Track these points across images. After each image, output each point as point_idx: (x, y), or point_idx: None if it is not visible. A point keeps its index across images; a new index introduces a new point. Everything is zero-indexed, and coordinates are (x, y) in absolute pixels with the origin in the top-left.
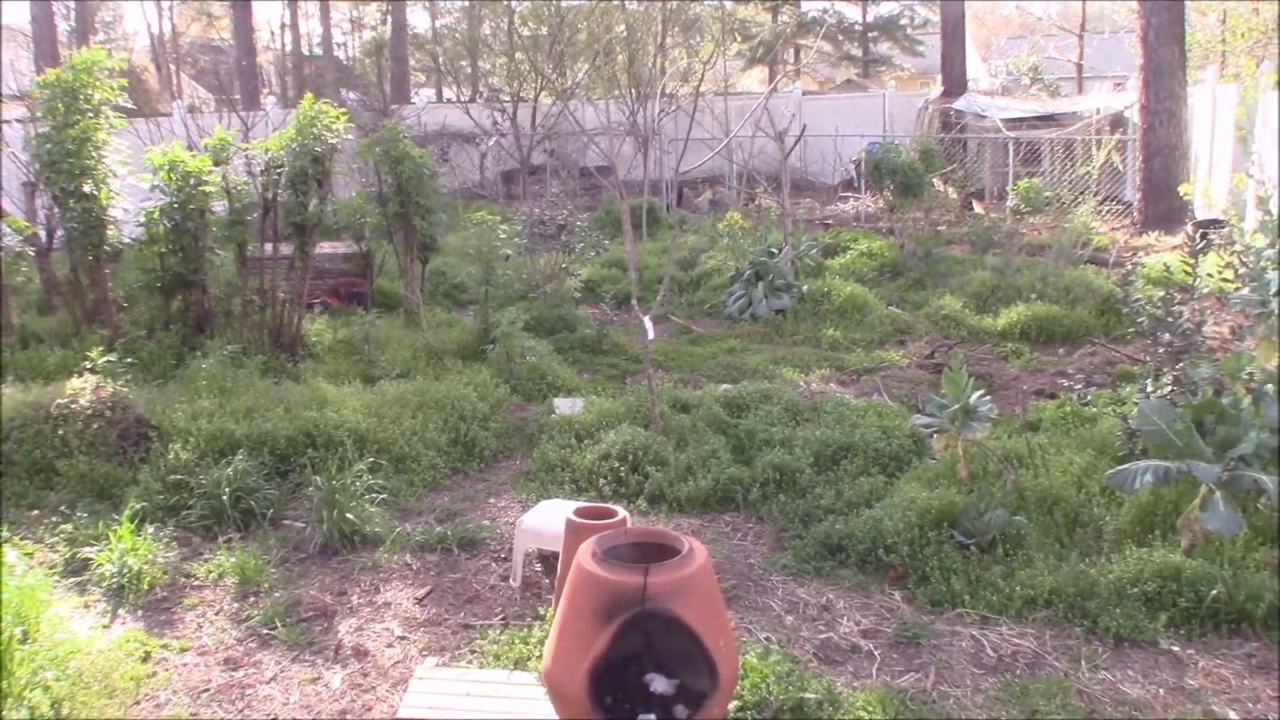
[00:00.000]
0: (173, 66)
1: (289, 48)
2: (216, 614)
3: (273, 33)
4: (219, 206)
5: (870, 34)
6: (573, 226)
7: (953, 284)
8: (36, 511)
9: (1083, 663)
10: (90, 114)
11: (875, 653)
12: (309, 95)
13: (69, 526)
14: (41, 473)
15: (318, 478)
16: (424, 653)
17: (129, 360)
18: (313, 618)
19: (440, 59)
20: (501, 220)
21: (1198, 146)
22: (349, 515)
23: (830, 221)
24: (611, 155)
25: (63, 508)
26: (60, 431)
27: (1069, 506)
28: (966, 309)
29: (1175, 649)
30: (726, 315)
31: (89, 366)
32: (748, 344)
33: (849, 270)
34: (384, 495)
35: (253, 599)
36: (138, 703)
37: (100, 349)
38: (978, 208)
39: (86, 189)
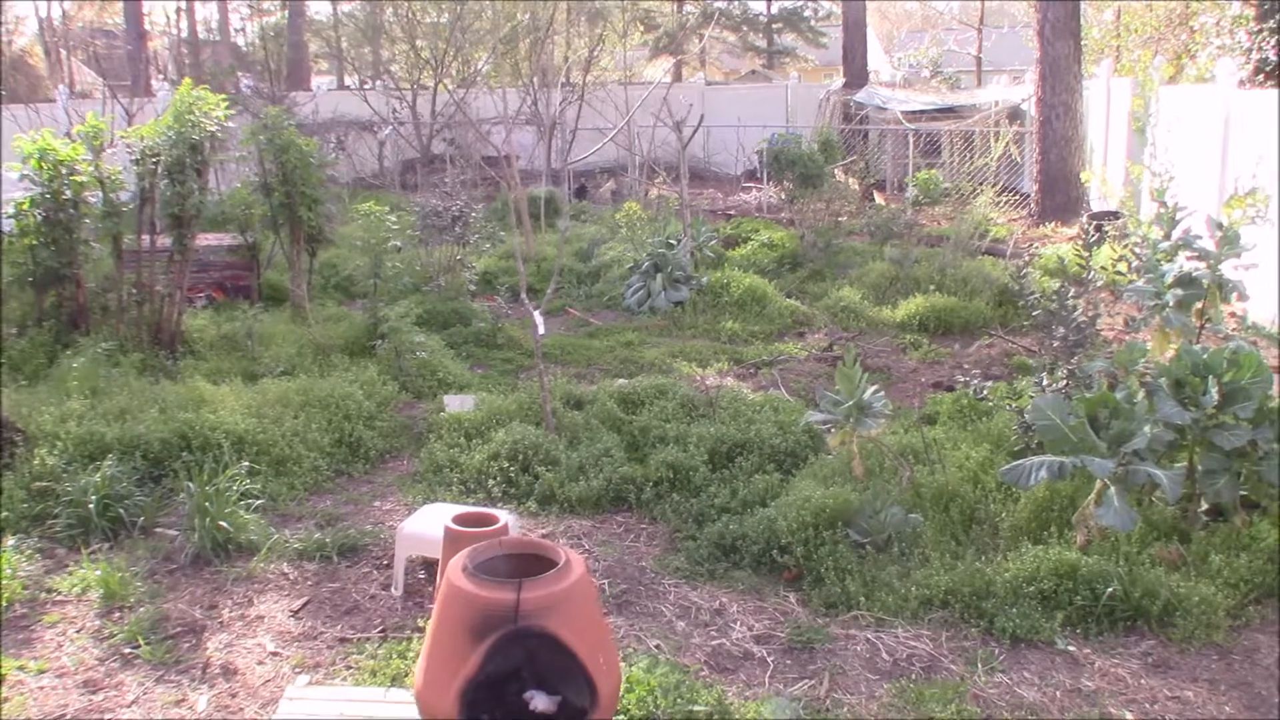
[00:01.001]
0: (63, 51)
1: (185, 33)
2: (78, 632)
3: (168, 17)
4: (96, 198)
5: (774, 25)
6: (468, 218)
7: (852, 275)
8: None
9: (979, 665)
10: None
11: (768, 659)
12: (187, 80)
13: None
14: None
15: (189, 484)
16: (296, 670)
17: None
18: (180, 634)
19: (342, 45)
20: (390, 211)
21: (1093, 139)
22: (222, 523)
23: (733, 212)
24: (510, 145)
25: None
26: None
27: (965, 503)
28: (865, 300)
29: (1072, 649)
30: (625, 307)
31: None
32: (646, 337)
33: (749, 261)
34: (262, 500)
35: (118, 614)
36: None
37: None
38: (879, 199)
39: None
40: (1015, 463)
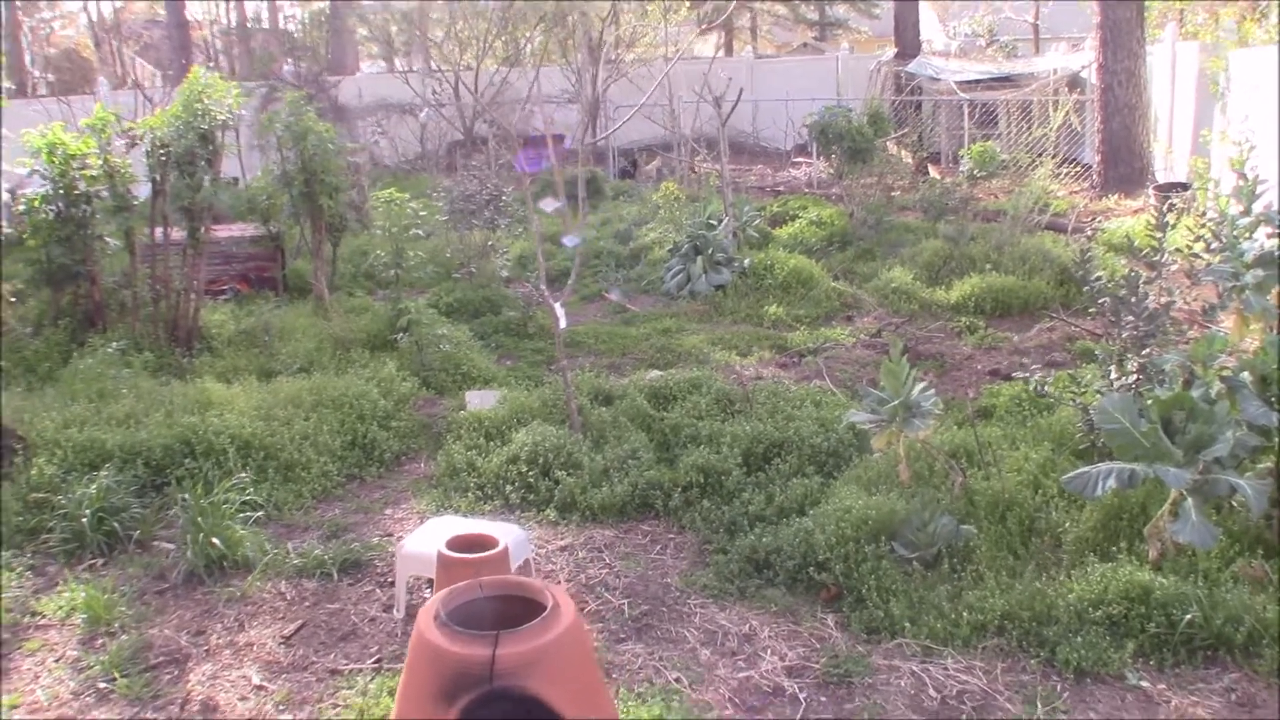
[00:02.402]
0: (114, 43)
1: (234, 21)
2: (57, 661)
3: (216, 5)
4: (107, 192)
5: None
6: (500, 201)
7: (904, 254)
8: None
9: (1039, 705)
10: None
11: (800, 696)
12: (195, 68)
13: None
14: None
15: (184, 496)
16: (280, 708)
17: (11, 360)
18: (162, 664)
19: (390, 29)
20: (423, 195)
21: (1158, 106)
22: (215, 540)
23: (781, 188)
24: (552, 124)
25: None
26: None
27: (1024, 512)
28: (918, 281)
29: (1145, 684)
30: (664, 292)
31: None
32: (685, 323)
33: (796, 241)
34: (266, 510)
35: (101, 641)
36: None
37: None
38: (933, 172)
39: None
40: (1080, 470)
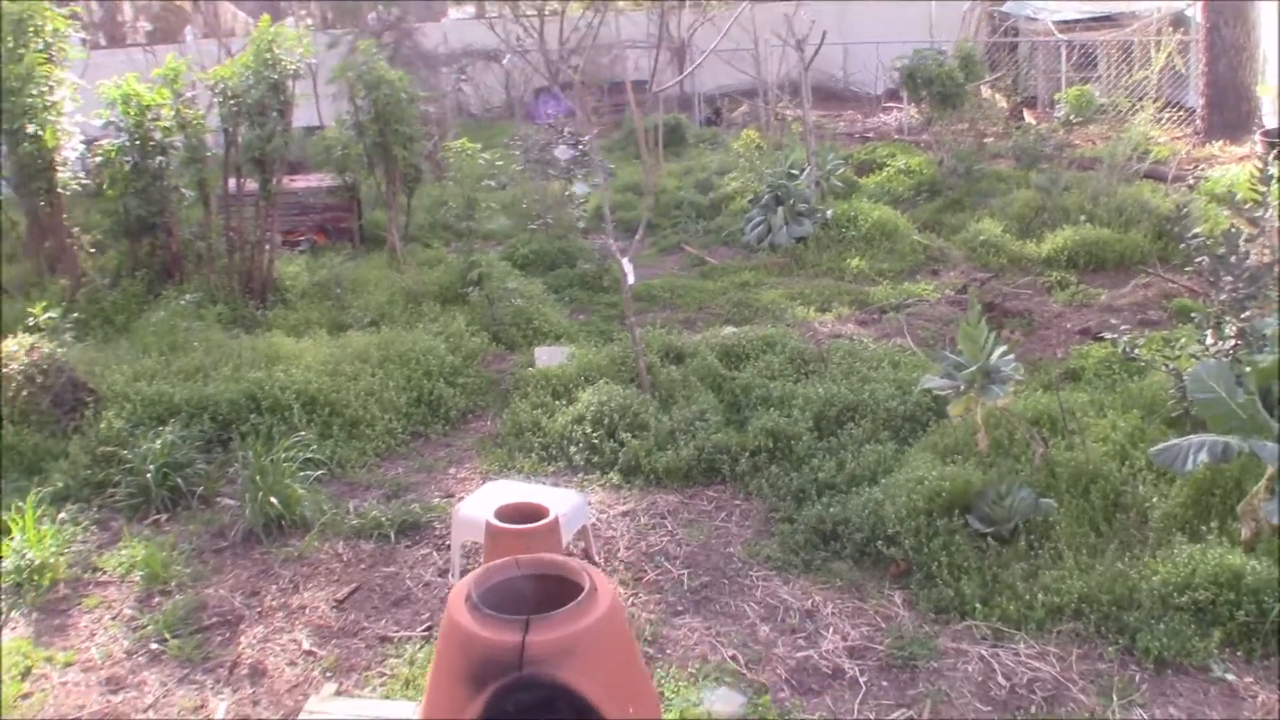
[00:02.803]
0: None
1: None
2: (113, 619)
3: None
4: (180, 143)
5: None
6: (573, 150)
7: (994, 205)
8: None
9: (1114, 696)
10: (40, 48)
11: (861, 680)
12: (265, 18)
13: None
14: None
15: (244, 453)
16: (327, 674)
17: (89, 311)
18: (215, 625)
19: None
20: (488, 147)
21: (1266, 47)
22: (273, 499)
23: (870, 135)
24: (636, 69)
25: None
26: None
27: (1109, 485)
28: (1007, 233)
29: (1230, 677)
30: (744, 244)
31: (32, 323)
32: (764, 277)
33: (882, 190)
34: (329, 468)
35: (157, 599)
36: None
37: (58, 301)
38: (1029, 117)
39: (30, 129)
40: (1170, 442)
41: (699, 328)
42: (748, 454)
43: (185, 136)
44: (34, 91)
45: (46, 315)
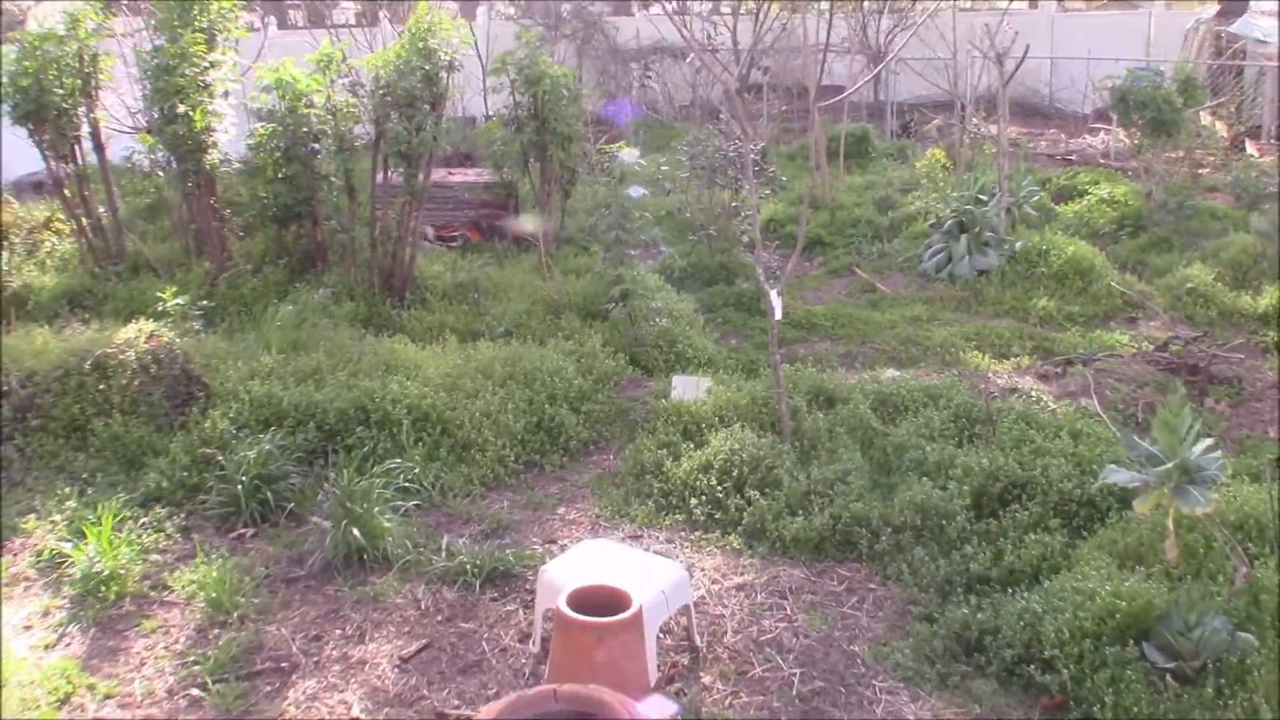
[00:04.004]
0: None
1: None
2: (166, 649)
3: None
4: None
5: None
6: (743, 159)
7: (1206, 247)
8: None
9: None
10: (201, 28)
11: None
12: (422, 4)
13: (73, 504)
14: (78, 430)
15: (330, 474)
16: None
17: (229, 296)
18: (267, 670)
19: None
20: (658, 149)
21: None
22: (355, 530)
23: (1074, 157)
24: (826, 74)
25: (85, 476)
26: (102, 386)
27: None
28: (1220, 282)
29: None
30: (921, 272)
31: (159, 309)
32: (938, 311)
33: (1081, 221)
34: (429, 494)
35: (216, 632)
36: None
37: (200, 283)
38: (1251, 149)
39: (180, 109)
40: None
41: (858, 366)
42: (891, 529)
43: (335, 125)
44: (187, 72)
45: (174, 301)
